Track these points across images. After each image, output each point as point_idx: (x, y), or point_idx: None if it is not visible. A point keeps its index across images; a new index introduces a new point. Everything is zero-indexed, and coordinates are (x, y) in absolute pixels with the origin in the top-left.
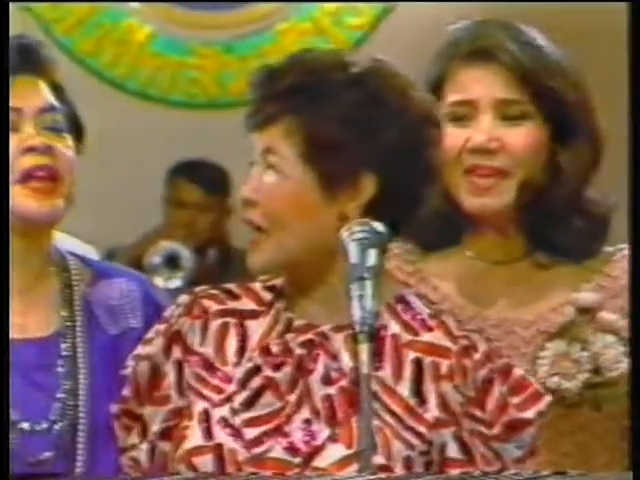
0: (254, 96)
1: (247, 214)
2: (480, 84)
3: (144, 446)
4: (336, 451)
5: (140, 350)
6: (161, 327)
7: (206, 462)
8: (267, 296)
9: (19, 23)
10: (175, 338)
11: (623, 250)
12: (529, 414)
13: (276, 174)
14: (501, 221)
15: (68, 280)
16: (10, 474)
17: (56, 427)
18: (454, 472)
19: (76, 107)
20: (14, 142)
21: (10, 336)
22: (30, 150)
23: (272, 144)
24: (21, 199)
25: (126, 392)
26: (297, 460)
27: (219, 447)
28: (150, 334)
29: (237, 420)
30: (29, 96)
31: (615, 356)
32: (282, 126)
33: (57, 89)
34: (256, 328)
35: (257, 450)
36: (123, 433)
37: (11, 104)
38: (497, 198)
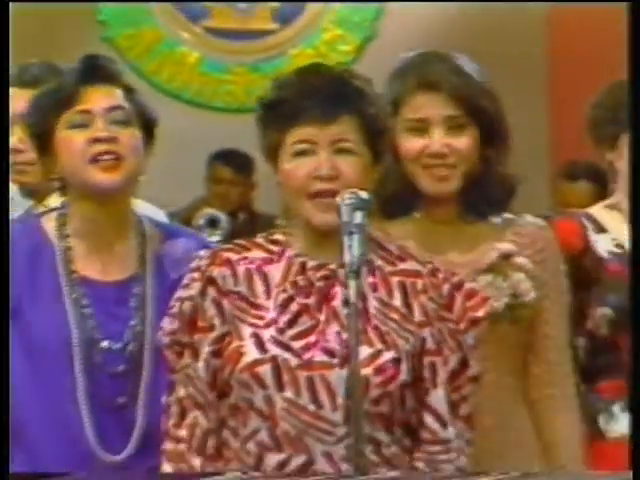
0: (309, 99)
1: (325, 187)
2: (430, 106)
3: (200, 364)
4: (363, 351)
5: (182, 293)
6: (195, 275)
7: (265, 371)
8: (273, 248)
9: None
10: (209, 282)
11: (526, 217)
12: (481, 313)
13: (351, 156)
14: (447, 198)
15: (142, 238)
16: (10, 474)
17: (129, 347)
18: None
19: (145, 106)
20: (84, 135)
21: (94, 278)
22: (97, 140)
23: (345, 135)
24: (92, 175)
25: (174, 326)
26: (335, 360)
27: (274, 358)
28: (186, 281)
29: (284, 337)
30: (99, 100)
31: (526, 287)
32: (355, 119)
33: (129, 92)
34: (274, 272)
35: (305, 356)
36: (175, 357)
37: (80, 107)
38: (449, 184)
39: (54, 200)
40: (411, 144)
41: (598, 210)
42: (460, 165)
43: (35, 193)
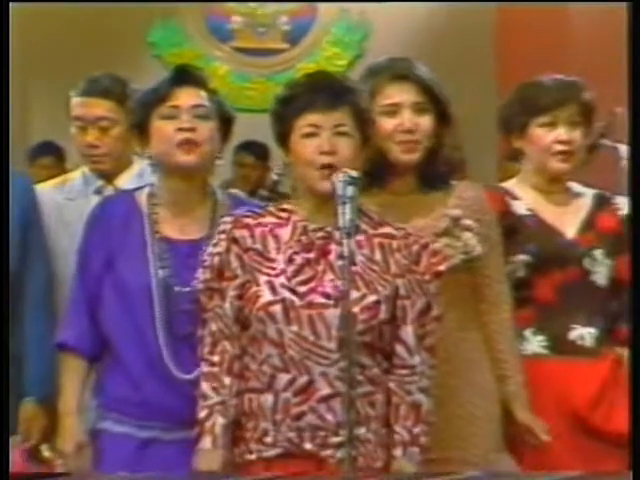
0: (316, 93)
1: (329, 160)
2: (401, 93)
3: (227, 304)
4: (353, 294)
5: (212, 250)
6: (222, 236)
7: (277, 309)
8: (282, 214)
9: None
10: (233, 241)
11: (465, 183)
12: (442, 267)
13: (346, 137)
14: (412, 167)
15: (215, 206)
16: (10, 474)
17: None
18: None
19: (224, 105)
20: (173, 126)
21: (174, 237)
22: (181, 129)
23: (342, 120)
24: (176, 156)
25: (206, 276)
26: (331, 302)
27: (284, 300)
28: (215, 240)
29: (291, 283)
30: (186, 98)
31: (474, 244)
32: (348, 110)
33: (211, 93)
34: (283, 233)
35: (307, 299)
36: (207, 300)
37: (171, 103)
38: (415, 155)
39: (120, 181)
40: (386, 124)
41: (512, 184)
42: (423, 140)
43: (105, 176)
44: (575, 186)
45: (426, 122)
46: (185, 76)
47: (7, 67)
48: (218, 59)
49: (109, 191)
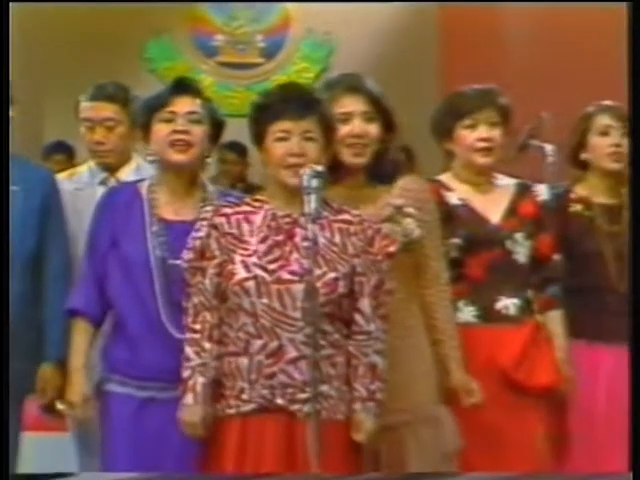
0: (287, 103)
1: (297, 161)
2: (352, 104)
3: (207, 281)
4: (315, 271)
5: (195, 235)
6: (204, 222)
7: (250, 285)
8: (255, 204)
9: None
10: (213, 227)
11: (409, 177)
12: (392, 249)
13: (313, 142)
14: (359, 168)
15: (205, 194)
16: (10, 474)
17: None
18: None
19: (216, 112)
20: (169, 128)
21: (170, 218)
22: (176, 132)
23: (310, 127)
24: (170, 154)
25: (190, 256)
26: (296, 278)
27: (256, 276)
28: (198, 227)
29: (262, 262)
30: (182, 105)
31: (413, 228)
32: (314, 119)
33: (204, 101)
34: (256, 219)
35: (275, 275)
36: (191, 277)
37: (169, 109)
38: (363, 158)
39: (122, 174)
40: (341, 130)
41: (446, 177)
42: (371, 145)
43: (109, 169)
44: (500, 177)
45: (373, 129)
46: (183, 87)
47: (7, 67)
48: (204, 72)
49: (112, 182)
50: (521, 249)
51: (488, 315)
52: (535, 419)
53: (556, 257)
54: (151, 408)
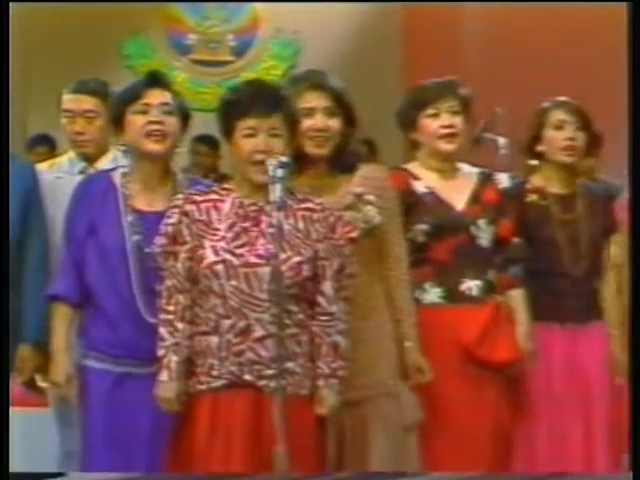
0: (254, 100)
1: (263, 157)
2: (315, 100)
3: (179, 265)
4: (281, 256)
5: (167, 221)
6: (175, 210)
7: (219, 268)
8: (224, 192)
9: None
10: (184, 214)
11: (370, 166)
12: (354, 234)
13: (278, 138)
14: (321, 159)
15: (175, 185)
16: (10, 474)
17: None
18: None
19: (184, 104)
20: (144, 119)
21: (143, 209)
22: (151, 122)
23: (276, 124)
24: (146, 145)
25: (163, 241)
26: (263, 261)
27: (224, 260)
28: (170, 214)
29: (230, 247)
30: (155, 97)
31: (373, 215)
32: (280, 116)
33: (174, 94)
34: (224, 207)
35: (243, 259)
36: (164, 261)
37: (143, 101)
38: (325, 149)
39: (100, 163)
40: (304, 123)
41: (413, 166)
42: (332, 138)
43: (88, 159)
44: (464, 166)
45: (335, 123)
46: (155, 80)
47: (7, 67)
48: (178, 69)
49: (91, 172)
50: (484, 234)
51: (453, 296)
52: (495, 392)
53: (516, 240)
54: (128, 382)
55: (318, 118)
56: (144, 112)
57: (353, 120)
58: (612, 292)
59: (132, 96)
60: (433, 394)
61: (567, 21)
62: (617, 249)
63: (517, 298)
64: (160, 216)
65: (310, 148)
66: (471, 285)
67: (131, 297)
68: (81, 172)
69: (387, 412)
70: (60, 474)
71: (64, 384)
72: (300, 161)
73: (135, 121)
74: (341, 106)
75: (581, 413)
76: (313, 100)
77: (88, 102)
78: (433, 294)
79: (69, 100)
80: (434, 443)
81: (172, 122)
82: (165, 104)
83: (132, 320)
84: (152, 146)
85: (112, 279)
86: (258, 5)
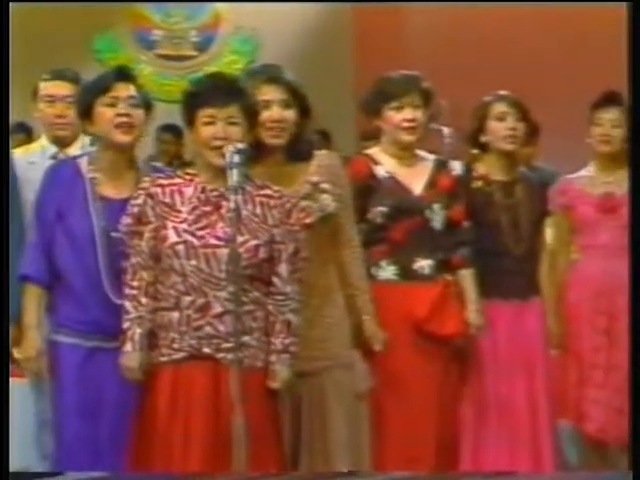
0: (214, 91)
1: (222, 143)
2: (272, 92)
3: (144, 243)
4: (238, 239)
5: (133, 202)
6: (141, 191)
7: (180, 248)
8: (187, 177)
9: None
10: (149, 196)
11: (323, 153)
12: (308, 220)
13: (236, 126)
14: (278, 148)
15: (138, 173)
16: (10, 474)
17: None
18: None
19: (148, 96)
20: (113, 111)
21: (109, 195)
22: (119, 115)
23: (233, 113)
24: (115, 135)
25: (129, 221)
26: (222, 243)
27: (185, 241)
28: (136, 195)
29: (192, 229)
30: (123, 91)
31: (328, 203)
32: (237, 105)
33: (139, 87)
34: (187, 191)
35: (203, 241)
36: (130, 240)
37: (112, 94)
38: (281, 139)
39: (71, 149)
40: (261, 115)
41: (375, 152)
42: (288, 128)
43: (59, 144)
44: (422, 153)
45: (290, 114)
46: (123, 74)
47: (7, 67)
48: (144, 63)
49: (62, 157)
50: (437, 217)
51: (406, 274)
52: (443, 362)
53: (466, 224)
54: (97, 356)
55: (275, 110)
56: (113, 105)
57: (307, 111)
58: (546, 270)
59: (101, 89)
60: (386, 364)
61: (516, 19)
62: (550, 231)
63: (467, 277)
64: (125, 202)
65: (268, 138)
66: (423, 264)
67: (98, 279)
68: (52, 157)
69: (342, 381)
70: (56, 474)
71: (35, 358)
72: (258, 150)
73: (104, 113)
74: (296, 98)
75: (524, 379)
76: (270, 93)
77: (66, 88)
78: (388, 271)
79: (49, 86)
80: (386, 409)
81: (138, 114)
82: (131, 97)
83: (100, 300)
84: (121, 137)
85: (80, 262)
86: (219, 4)
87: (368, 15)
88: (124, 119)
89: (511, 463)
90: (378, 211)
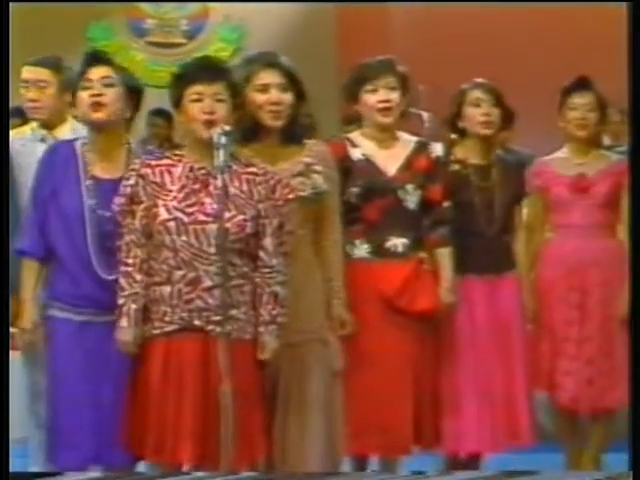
0: (201, 70)
1: (209, 117)
2: (270, 77)
3: (136, 222)
4: (226, 214)
5: (125, 183)
6: (133, 173)
7: (171, 225)
8: (175, 158)
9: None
10: (141, 177)
11: (313, 141)
12: (291, 196)
13: (222, 103)
14: (276, 130)
15: (129, 154)
16: (10, 474)
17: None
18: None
19: (130, 77)
20: (87, 93)
21: (100, 176)
22: (92, 95)
23: (219, 90)
24: (89, 114)
25: (122, 201)
26: (210, 219)
27: (176, 218)
28: (127, 176)
29: (181, 206)
30: (97, 73)
31: (320, 182)
32: (223, 83)
33: (117, 69)
34: (176, 170)
35: (192, 217)
36: (123, 219)
37: (87, 77)
38: (279, 121)
39: (59, 132)
40: (259, 98)
41: (354, 135)
42: (285, 110)
43: (47, 127)
44: (404, 135)
45: (288, 97)
46: (95, 58)
47: (7, 67)
48: (136, 50)
49: (50, 139)
50: (411, 198)
51: (379, 252)
52: (415, 338)
53: (445, 204)
54: (88, 329)
55: (273, 93)
56: (88, 87)
57: (303, 94)
58: (522, 247)
59: (79, 74)
60: (360, 341)
61: (498, 18)
62: (527, 210)
63: (444, 256)
64: (115, 182)
65: (267, 120)
66: (397, 243)
67: (88, 256)
68: (41, 140)
69: (321, 356)
70: (59, 474)
71: (30, 330)
72: (256, 132)
73: (81, 96)
74: (292, 82)
75: (500, 351)
76: (267, 77)
77: (41, 73)
78: (362, 250)
79: (25, 71)
80: (361, 385)
81: (112, 92)
82: (105, 77)
83: (89, 276)
84: (93, 115)
85: (71, 239)
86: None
87: (352, 9)
88: (95, 99)
89: (490, 436)
90: (352, 192)
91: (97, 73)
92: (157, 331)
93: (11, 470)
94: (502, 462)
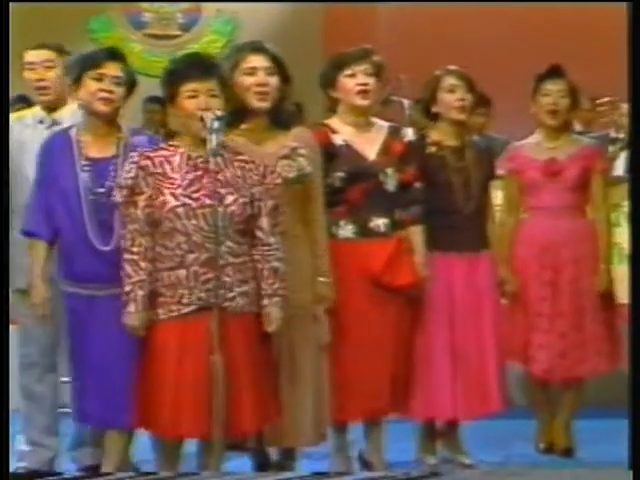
0: (194, 68)
1: (205, 114)
2: (257, 60)
3: (139, 211)
4: (227, 198)
5: (125, 175)
6: (132, 165)
7: (180, 210)
8: (172, 148)
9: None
10: (141, 169)
11: (299, 127)
12: (279, 180)
13: (216, 98)
14: (263, 113)
15: (119, 137)
16: (10, 474)
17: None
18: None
19: (132, 74)
20: (97, 85)
21: (94, 156)
22: (103, 90)
23: (213, 86)
24: (97, 106)
25: (124, 193)
26: (215, 203)
27: (184, 204)
28: (127, 168)
29: (187, 192)
30: (110, 69)
31: (305, 165)
32: (216, 79)
33: (125, 66)
34: (175, 160)
35: (199, 202)
36: (125, 209)
37: (99, 71)
38: (267, 103)
39: (58, 113)
40: (247, 81)
41: (333, 122)
42: (272, 93)
43: (47, 110)
44: (377, 120)
45: (274, 80)
46: (113, 55)
47: (7, 66)
48: (135, 42)
49: (48, 120)
50: (390, 180)
51: (363, 232)
52: (397, 311)
53: (418, 185)
54: (94, 302)
55: (260, 75)
56: (99, 79)
57: (288, 78)
58: (495, 228)
59: (91, 64)
60: (345, 315)
61: (481, 19)
62: (502, 192)
63: (417, 233)
64: (107, 161)
65: (254, 102)
66: (379, 223)
67: (85, 231)
68: (40, 122)
69: (312, 330)
70: (59, 474)
71: (40, 305)
72: (244, 115)
73: (90, 85)
74: (278, 66)
75: (476, 326)
76: (255, 61)
77: (45, 54)
78: (347, 230)
79: (30, 54)
80: (345, 357)
81: (119, 91)
82: (117, 77)
83: (86, 250)
84: (101, 107)
85: (71, 216)
86: None
87: (339, 8)
88: (105, 95)
89: (464, 404)
90: (336, 176)
91: (111, 70)
92: (174, 313)
93: (11, 470)
94: (476, 430)
